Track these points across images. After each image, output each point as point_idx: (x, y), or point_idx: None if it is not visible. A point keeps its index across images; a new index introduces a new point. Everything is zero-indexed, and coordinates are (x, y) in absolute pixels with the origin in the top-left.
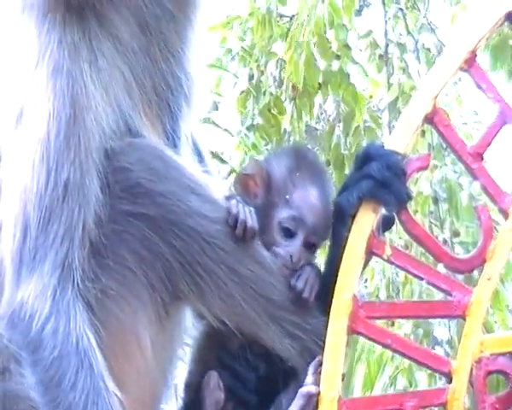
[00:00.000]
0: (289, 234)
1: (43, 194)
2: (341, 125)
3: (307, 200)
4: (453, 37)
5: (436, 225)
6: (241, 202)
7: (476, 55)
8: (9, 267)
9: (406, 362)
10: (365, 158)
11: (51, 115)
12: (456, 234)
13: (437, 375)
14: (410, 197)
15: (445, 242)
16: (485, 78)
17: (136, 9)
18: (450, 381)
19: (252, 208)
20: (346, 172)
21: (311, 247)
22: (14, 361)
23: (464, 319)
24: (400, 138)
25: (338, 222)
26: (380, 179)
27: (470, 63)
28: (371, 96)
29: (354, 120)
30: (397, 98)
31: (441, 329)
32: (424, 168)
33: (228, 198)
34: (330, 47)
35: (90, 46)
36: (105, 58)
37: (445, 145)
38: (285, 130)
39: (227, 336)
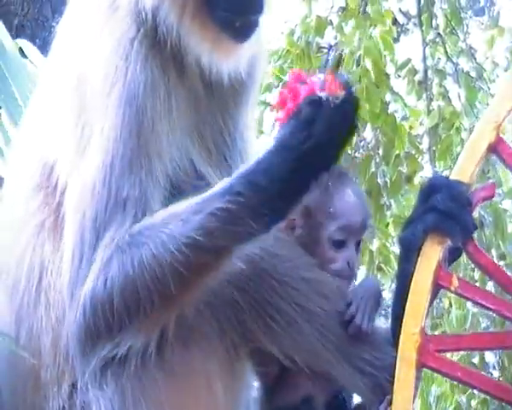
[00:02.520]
0: (342, 244)
1: (99, 210)
2: (381, 152)
3: (348, 204)
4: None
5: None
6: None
7: None
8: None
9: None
10: (430, 190)
11: (117, 141)
12: (502, 257)
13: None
14: (475, 228)
15: None
16: None
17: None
18: None
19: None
20: (382, 201)
21: (358, 245)
22: None
23: None
24: (465, 168)
25: (404, 256)
26: (445, 211)
27: None
28: (411, 127)
29: (394, 148)
30: (437, 124)
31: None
32: (489, 198)
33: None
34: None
35: (167, 87)
36: (177, 103)
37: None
38: None
39: (288, 386)
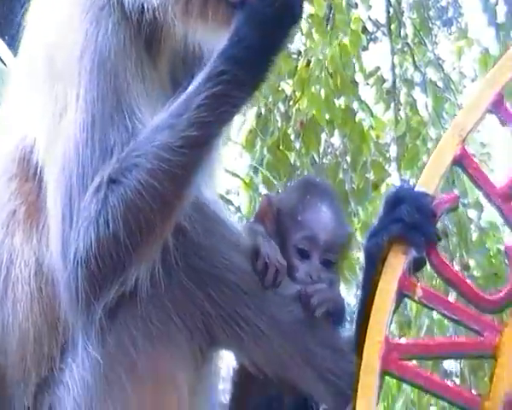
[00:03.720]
0: (305, 254)
1: (85, 166)
2: (348, 159)
3: (318, 218)
4: (480, 79)
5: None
6: (267, 241)
7: (503, 97)
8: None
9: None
10: (395, 200)
11: (94, 101)
12: (466, 268)
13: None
14: (439, 239)
15: None
16: None
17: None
18: None
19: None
20: (349, 208)
21: (329, 265)
22: None
23: (495, 359)
24: (429, 180)
25: (368, 265)
26: (409, 222)
27: (497, 105)
28: (378, 136)
29: (361, 155)
30: (404, 133)
31: (451, 361)
32: (453, 209)
33: (252, 233)
34: (336, 84)
35: (139, 55)
36: (150, 71)
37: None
38: (293, 165)
39: (256, 386)
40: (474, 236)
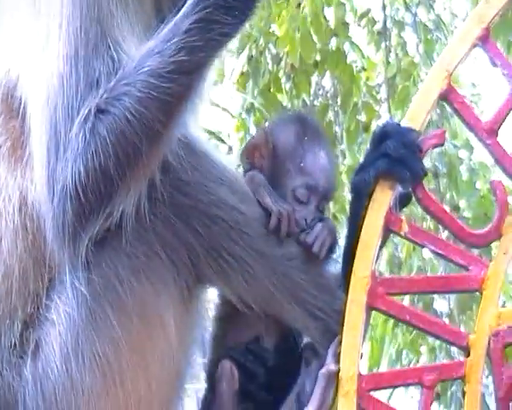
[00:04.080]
0: (303, 200)
1: (70, 97)
2: (339, 101)
3: (318, 165)
4: (467, 13)
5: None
6: (272, 194)
7: (490, 31)
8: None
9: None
10: (382, 136)
11: (78, 31)
12: (456, 208)
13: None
14: (425, 173)
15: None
16: (499, 54)
17: None
18: (468, 354)
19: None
20: (339, 149)
21: (321, 209)
22: None
23: (481, 293)
24: (416, 115)
25: (355, 201)
26: (396, 157)
27: (484, 39)
28: (368, 78)
29: (352, 97)
30: (395, 74)
31: (441, 301)
32: (440, 145)
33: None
34: (328, 25)
35: None
36: (132, 2)
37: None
38: (284, 107)
39: (240, 325)
40: (465, 177)
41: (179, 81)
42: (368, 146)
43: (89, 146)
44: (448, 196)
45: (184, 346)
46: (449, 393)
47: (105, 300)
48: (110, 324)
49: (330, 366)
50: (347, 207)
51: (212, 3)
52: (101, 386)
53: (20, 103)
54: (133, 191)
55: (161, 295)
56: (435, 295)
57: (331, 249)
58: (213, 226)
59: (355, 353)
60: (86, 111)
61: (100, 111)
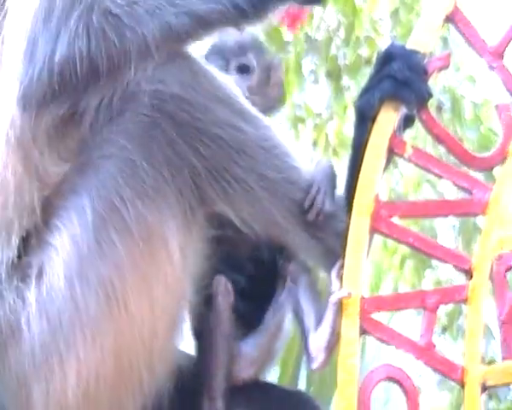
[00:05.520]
0: (224, 66)
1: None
2: (342, 34)
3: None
4: None
5: None
6: (324, 190)
7: None
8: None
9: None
10: (386, 58)
11: None
12: (460, 141)
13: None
14: (430, 95)
15: None
16: None
17: None
18: (470, 277)
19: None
20: (343, 83)
21: (246, 70)
22: None
23: (484, 217)
24: (421, 38)
25: (359, 124)
26: (401, 79)
27: None
28: (371, 11)
29: (354, 30)
30: (397, 8)
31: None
32: (445, 67)
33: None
34: None
35: None
36: None
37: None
38: (286, 41)
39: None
40: (468, 112)
41: (199, 31)
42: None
43: (86, 34)
44: (451, 130)
45: (188, 270)
46: (455, 325)
47: (110, 224)
48: (114, 247)
49: (341, 292)
50: (348, 141)
51: None
52: (105, 310)
53: None
54: (105, 94)
55: (165, 217)
56: (439, 230)
57: (333, 188)
58: (214, 146)
59: (358, 275)
60: (91, 2)
61: (110, 13)
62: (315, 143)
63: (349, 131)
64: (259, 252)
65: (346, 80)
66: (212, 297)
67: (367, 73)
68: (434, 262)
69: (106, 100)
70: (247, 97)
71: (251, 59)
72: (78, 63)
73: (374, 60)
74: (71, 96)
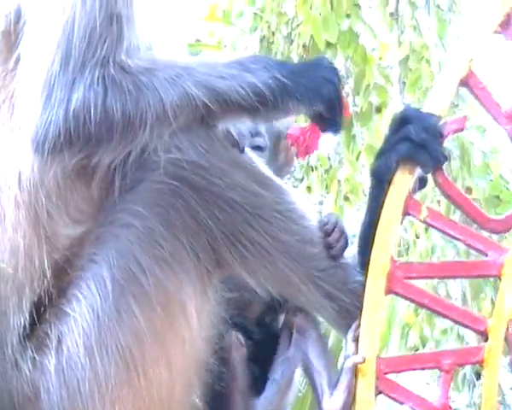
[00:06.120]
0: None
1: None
2: (351, 82)
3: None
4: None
5: None
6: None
7: (511, 18)
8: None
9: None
10: (402, 121)
11: None
12: (468, 191)
13: (448, 331)
14: (446, 158)
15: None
16: None
17: None
18: (486, 339)
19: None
20: (353, 132)
21: (259, 150)
22: None
23: (500, 279)
24: (436, 101)
25: (375, 186)
26: (417, 141)
27: (505, 26)
28: (381, 58)
29: (364, 78)
30: (407, 56)
31: (454, 286)
32: (460, 130)
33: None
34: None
35: None
36: None
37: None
38: None
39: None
40: (477, 160)
41: (216, 107)
42: (387, 130)
43: (103, 84)
44: (460, 178)
45: (204, 332)
46: (460, 376)
47: (129, 292)
48: (133, 315)
49: (356, 358)
50: (359, 188)
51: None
52: (124, 377)
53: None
54: (119, 155)
55: (183, 283)
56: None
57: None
58: (230, 210)
59: (374, 336)
60: (106, 53)
61: (123, 68)
62: (327, 189)
63: (360, 179)
64: (265, 316)
65: (357, 128)
66: (224, 353)
67: (378, 120)
68: None
69: (119, 162)
70: None
71: (264, 139)
72: (92, 112)
73: (384, 108)
74: (84, 148)
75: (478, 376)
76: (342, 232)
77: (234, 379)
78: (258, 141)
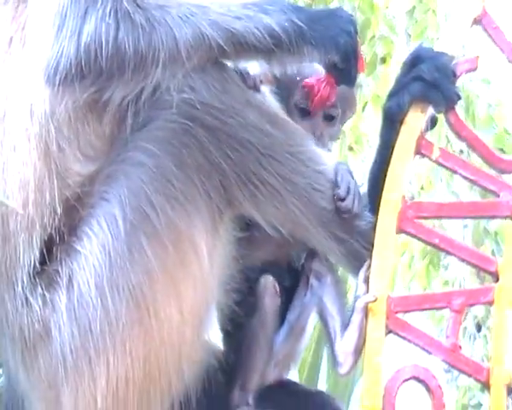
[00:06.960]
0: (305, 112)
1: None
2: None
3: (314, 74)
4: None
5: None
6: (350, 176)
7: None
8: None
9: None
10: (415, 60)
11: None
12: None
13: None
14: (459, 97)
15: (461, 152)
16: None
17: None
18: (496, 280)
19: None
20: (360, 80)
21: (330, 119)
22: None
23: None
24: (449, 40)
25: (387, 126)
26: (430, 80)
27: None
28: (387, 7)
29: (370, 28)
30: (414, 7)
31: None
32: (473, 70)
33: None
34: None
35: None
36: None
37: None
38: None
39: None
40: (482, 113)
41: (231, 48)
42: (398, 71)
43: (115, 17)
44: None
45: (216, 271)
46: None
47: (140, 231)
48: (145, 254)
49: (367, 297)
50: (363, 138)
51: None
52: (135, 316)
53: None
54: (131, 92)
55: (194, 221)
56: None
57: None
58: (242, 150)
59: (385, 275)
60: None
61: (136, 2)
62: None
63: (365, 128)
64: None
65: (362, 77)
66: (256, 296)
67: (383, 71)
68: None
69: (132, 99)
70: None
71: (337, 108)
72: (104, 46)
73: (389, 59)
74: (95, 82)
75: (479, 328)
76: (353, 185)
77: (263, 326)
78: (332, 111)
